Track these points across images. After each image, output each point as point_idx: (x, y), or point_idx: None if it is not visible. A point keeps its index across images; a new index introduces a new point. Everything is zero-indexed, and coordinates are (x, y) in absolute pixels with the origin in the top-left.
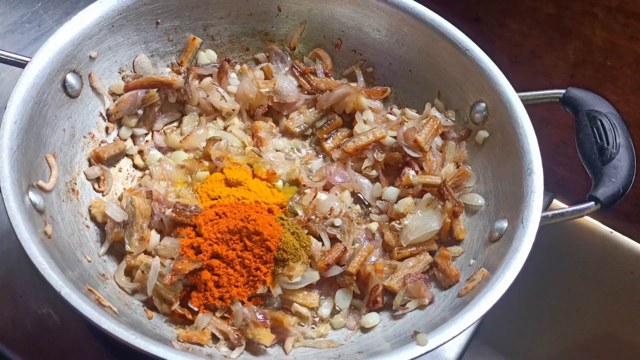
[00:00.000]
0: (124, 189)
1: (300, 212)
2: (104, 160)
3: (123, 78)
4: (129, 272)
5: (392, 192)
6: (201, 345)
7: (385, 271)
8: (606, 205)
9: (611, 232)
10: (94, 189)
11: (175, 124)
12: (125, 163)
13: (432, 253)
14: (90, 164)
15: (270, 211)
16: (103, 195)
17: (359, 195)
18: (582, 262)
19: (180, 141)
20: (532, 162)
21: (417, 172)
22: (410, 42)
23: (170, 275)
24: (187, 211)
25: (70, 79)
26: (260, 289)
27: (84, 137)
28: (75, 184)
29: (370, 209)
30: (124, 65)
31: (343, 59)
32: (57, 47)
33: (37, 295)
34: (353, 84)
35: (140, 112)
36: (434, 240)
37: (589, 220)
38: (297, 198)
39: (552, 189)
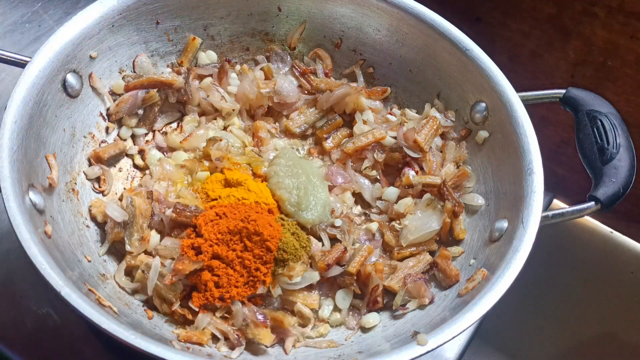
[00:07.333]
0: (124, 189)
1: None
2: (104, 160)
3: (123, 78)
4: (129, 272)
5: (392, 192)
6: (201, 345)
7: (385, 271)
8: (606, 205)
9: (611, 232)
10: (94, 189)
11: (175, 124)
12: (125, 163)
13: (432, 253)
14: (91, 164)
15: (270, 211)
16: (103, 195)
17: (360, 195)
18: (582, 262)
19: (181, 141)
20: (532, 162)
21: (417, 172)
22: (410, 42)
23: (171, 276)
24: (187, 211)
25: (71, 78)
26: (260, 289)
27: (84, 137)
28: (75, 184)
29: (370, 209)
30: (124, 65)
31: (343, 59)
32: (57, 47)
33: (37, 295)
34: (353, 84)
35: (140, 112)
36: (434, 240)
37: (589, 220)
38: None
39: (552, 189)
